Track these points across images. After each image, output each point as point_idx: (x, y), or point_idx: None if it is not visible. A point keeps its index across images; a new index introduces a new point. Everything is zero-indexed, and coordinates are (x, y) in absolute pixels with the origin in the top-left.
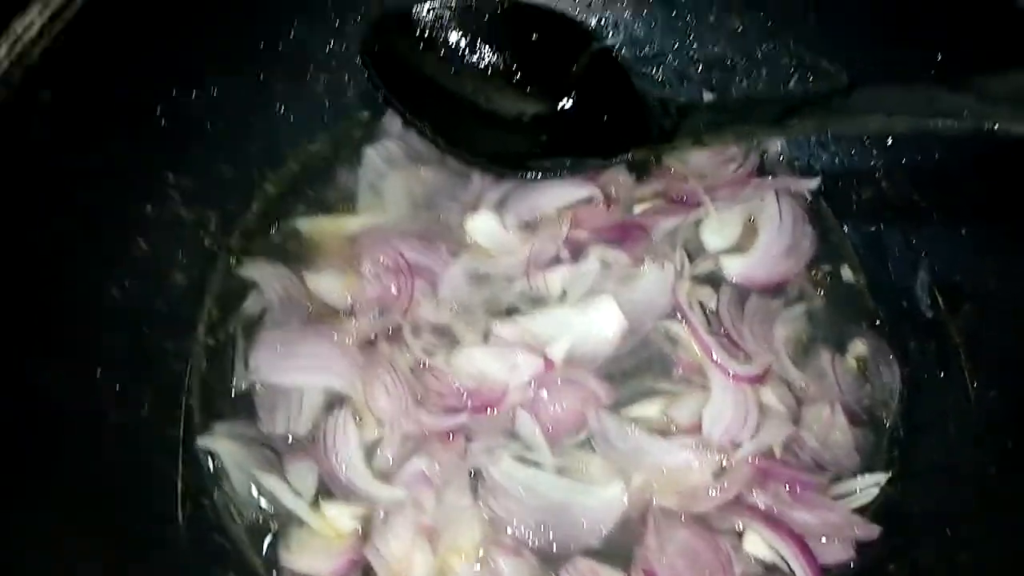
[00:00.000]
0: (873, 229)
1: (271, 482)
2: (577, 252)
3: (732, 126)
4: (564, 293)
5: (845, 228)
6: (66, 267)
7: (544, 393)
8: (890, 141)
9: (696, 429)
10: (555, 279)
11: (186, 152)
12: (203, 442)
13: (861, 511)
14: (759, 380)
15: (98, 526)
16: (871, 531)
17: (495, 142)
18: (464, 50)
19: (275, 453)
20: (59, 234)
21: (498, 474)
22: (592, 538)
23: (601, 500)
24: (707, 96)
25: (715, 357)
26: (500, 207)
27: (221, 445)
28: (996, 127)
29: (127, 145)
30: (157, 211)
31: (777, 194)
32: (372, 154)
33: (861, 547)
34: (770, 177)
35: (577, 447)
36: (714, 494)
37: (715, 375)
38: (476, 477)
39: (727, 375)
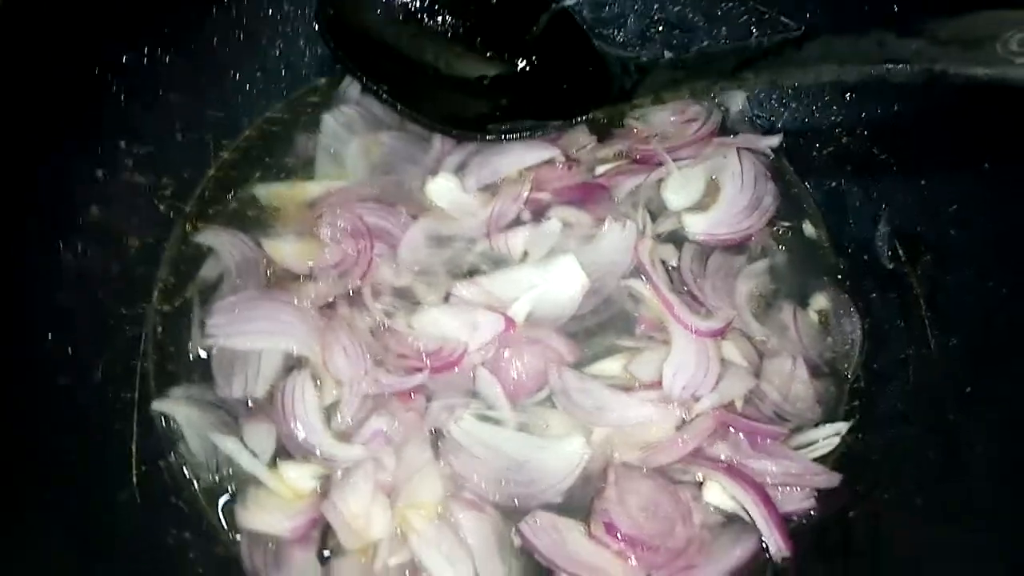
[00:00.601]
0: (834, 184)
1: (228, 444)
2: (539, 213)
3: (689, 81)
4: (526, 254)
5: (807, 184)
6: (18, 231)
7: (505, 352)
8: (849, 96)
9: (658, 385)
10: (516, 240)
11: (139, 119)
12: (158, 406)
13: (822, 460)
14: (719, 334)
15: (51, 489)
16: (832, 479)
17: (455, 105)
18: (422, 13)
19: (232, 416)
20: (11, 198)
21: (458, 432)
22: (553, 493)
23: (562, 455)
24: (668, 56)
25: (676, 312)
26: (461, 170)
27: (177, 409)
28: (946, 70)
29: (78, 111)
30: (110, 177)
31: (739, 152)
32: (330, 120)
33: (822, 495)
34: (732, 136)
35: (538, 404)
36: (675, 447)
37: (676, 330)
38: (436, 435)
39: (688, 330)
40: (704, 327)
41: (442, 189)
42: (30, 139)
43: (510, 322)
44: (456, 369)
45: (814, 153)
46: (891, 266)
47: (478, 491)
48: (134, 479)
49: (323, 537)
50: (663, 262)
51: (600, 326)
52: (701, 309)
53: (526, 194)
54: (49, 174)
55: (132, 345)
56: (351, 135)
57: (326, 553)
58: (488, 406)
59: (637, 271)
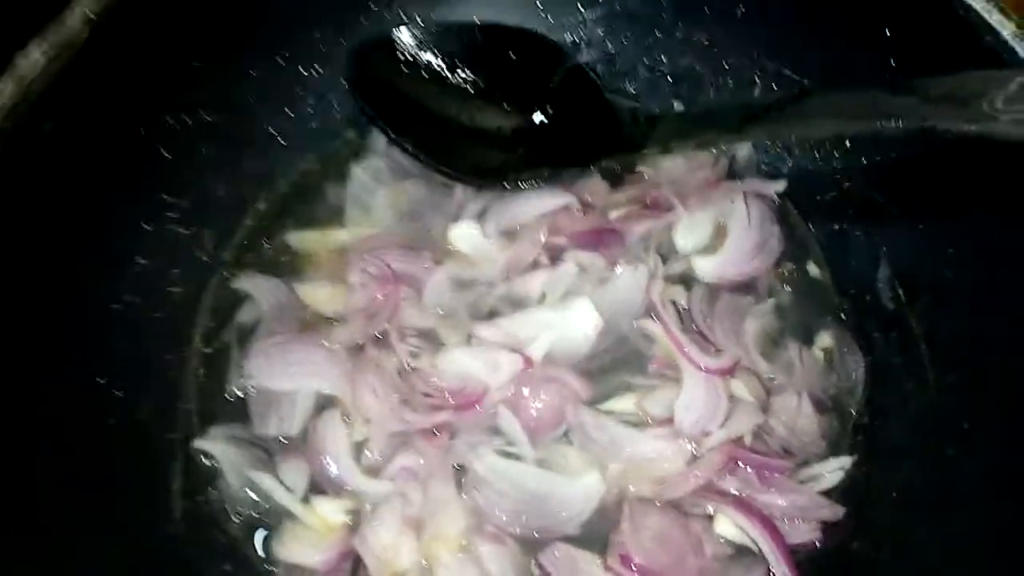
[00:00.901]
0: (836, 227)
1: (264, 480)
2: (555, 257)
3: (697, 134)
4: (543, 296)
5: (810, 226)
6: (71, 283)
7: (525, 390)
8: (849, 144)
9: (669, 421)
10: (534, 283)
11: (180, 175)
12: (199, 444)
13: (827, 494)
14: (729, 372)
15: (100, 525)
16: (836, 512)
17: (476, 156)
18: (444, 70)
19: (267, 453)
20: (64, 253)
21: (481, 468)
22: (571, 526)
23: (579, 489)
24: (677, 105)
25: (687, 351)
26: (481, 217)
27: (216, 447)
28: (935, 126)
29: (124, 169)
30: (154, 229)
31: (745, 196)
32: (359, 171)
33: (827, 528)
34: (739, 181)
35: (556, 441)
36: (687, 481)
37: (687, 368)
38: (460, 471)
39: (698, 368)
40: (713, 365)
41: (464, 235)
42: (80, 193)
43: (528, 361)
44: (478, 407)
45: (817, 197)
46: (892, 306)
47: (499, 524)
48: (177, 514)
49: (354, 569)
50: (674, 303)
51: (614, 364)
52: (710, 348)
53: (543, 238)
54: (98, 226)
55: (175, 387)
56: (378, 184)
57: None
58: (509, 443)
59: (649, 312)
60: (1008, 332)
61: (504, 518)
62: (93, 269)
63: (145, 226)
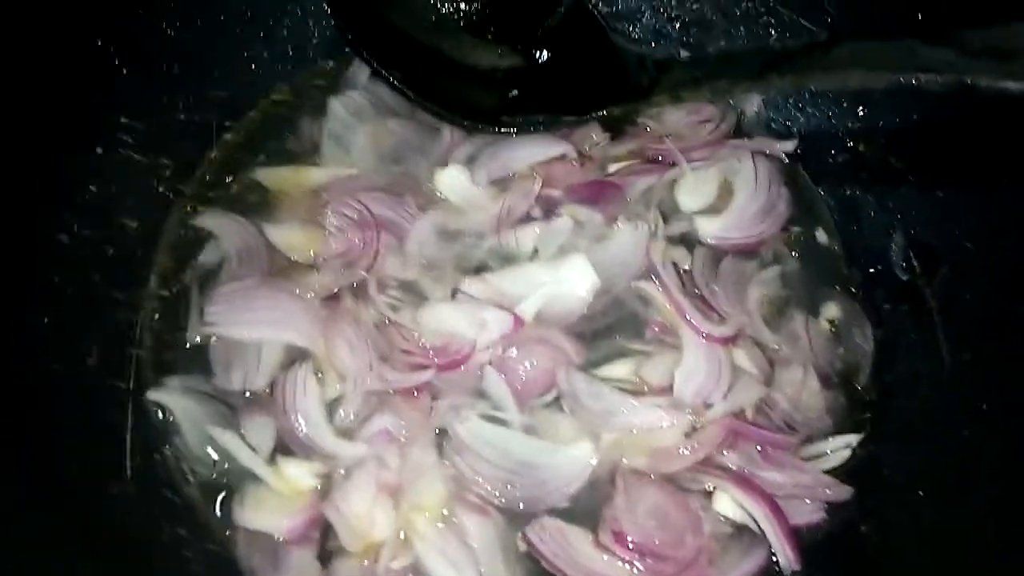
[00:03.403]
0: (848, 192)
1: (226, 438)
2: (550, 210)
3: (710, 81)
4: (535, 251)
5: (821, 191)
6: (11, 206)
7: (513, 351)
8: (867, 104)
9: (667, 390)
10: (526, 236)
11: (140, 94)
12: (154, 395)
13: (833, 473)
14: (732, 341)
15: (42, 477)
16: (843, 492)
17: (467, 96)
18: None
19: (230, 409)
20: (3, 171)
21: (464, 432)
22: (559, 498)
23: (569, 459)
24: (684, 54)
25: (688, 317)
26: (471, 163)
27: (173, 399)
28: (976, 82)
29: (77, 81)
30: (106, 153)
31: (753, 156)
32: (337, 105)
33: (832, 509)
34: (746, 139)
35: (546, 407)
36: (684, 454)
37: (688, 335)
38: (442, 435)
39: (700, 335)
40: (716, 333)
41: (452, 181)
42: (25, 108)
43: (518, 321)
44: (463, 368)
45: (829, 160)
46: (905, 277)
47: (483, 494)
48: (128, 471)
49: (323, 537)
50: (674, 264)
51: (609, 328)
52: (713, 315)
53: (537, 189)
54: (45, 147)
55: (127, 331)
56: (359, 122)
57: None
58: (495, 407)
59: (648, 273)
60: None
61: (488, 487)
62: (36, 192)
63: (97, 149)
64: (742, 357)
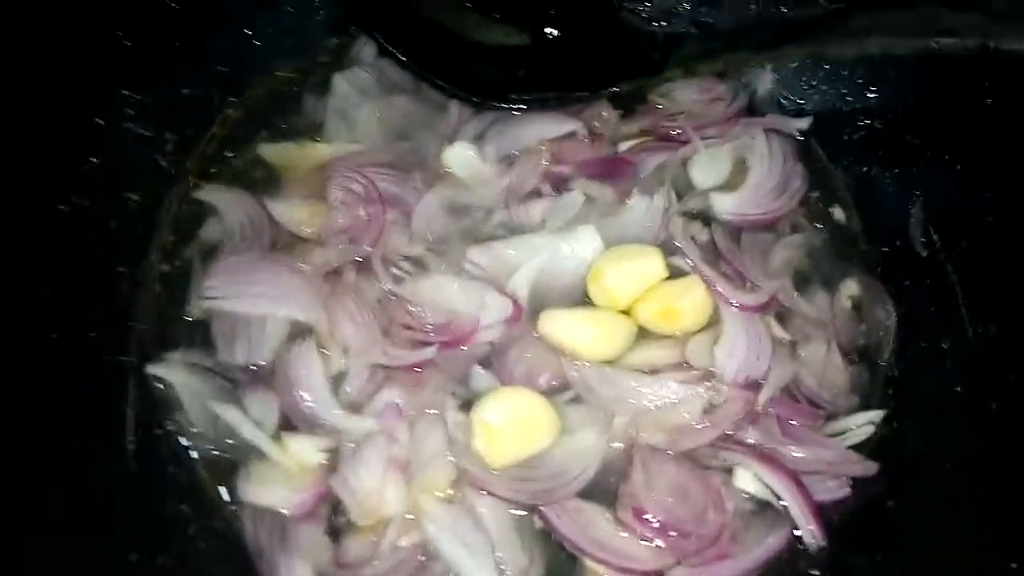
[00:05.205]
0: (865, 169)
1: (229, 413)
2: (560, 187)
3: (724, 54)
4: (544, 224)
5: (837, 168)
6: (12, 174)
7: (513, 348)
8: (881, 83)
9: (683, 366)
10: (536, 210)
11: (143, 67)
12: (154, 370)
13: (858, 449)
14: (766, 308)
15: (40, 457)
16: (869, 468)
17: (474, 72)
18: None
19: (232, 384)
20: (5, 137)
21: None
22: (574, 489)
23: (579, 449)
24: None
25: (719, 289)
26: (479, 140)
27: (174, 373)
28: (998, 45)
29: (80, 52)
30: (109, 125)
31: (767, 133)
32: (342, 82)
33: (857, 485)
34: (759, 117)
35: (552, 394)
36: (703, 431)
37: (725, 309)
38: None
39: (733, 305)
40: (750, 301)
41: (459, 157)
42: (28, 77)
43: (518, 308)
44: (464, 347)
45: (844, 137)
46: (925, 253)
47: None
48: (129, 446)
49: (332, 513)
50: (693, 239)
51: None
52: (744, 284)
53: (545, 164)
54: (47, 116)
55: (129, 305)
56: (364, 99)
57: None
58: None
59: (665, 248)
60: None
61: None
62: (37, 160)
63: (98, 120)
64: (777, 327)
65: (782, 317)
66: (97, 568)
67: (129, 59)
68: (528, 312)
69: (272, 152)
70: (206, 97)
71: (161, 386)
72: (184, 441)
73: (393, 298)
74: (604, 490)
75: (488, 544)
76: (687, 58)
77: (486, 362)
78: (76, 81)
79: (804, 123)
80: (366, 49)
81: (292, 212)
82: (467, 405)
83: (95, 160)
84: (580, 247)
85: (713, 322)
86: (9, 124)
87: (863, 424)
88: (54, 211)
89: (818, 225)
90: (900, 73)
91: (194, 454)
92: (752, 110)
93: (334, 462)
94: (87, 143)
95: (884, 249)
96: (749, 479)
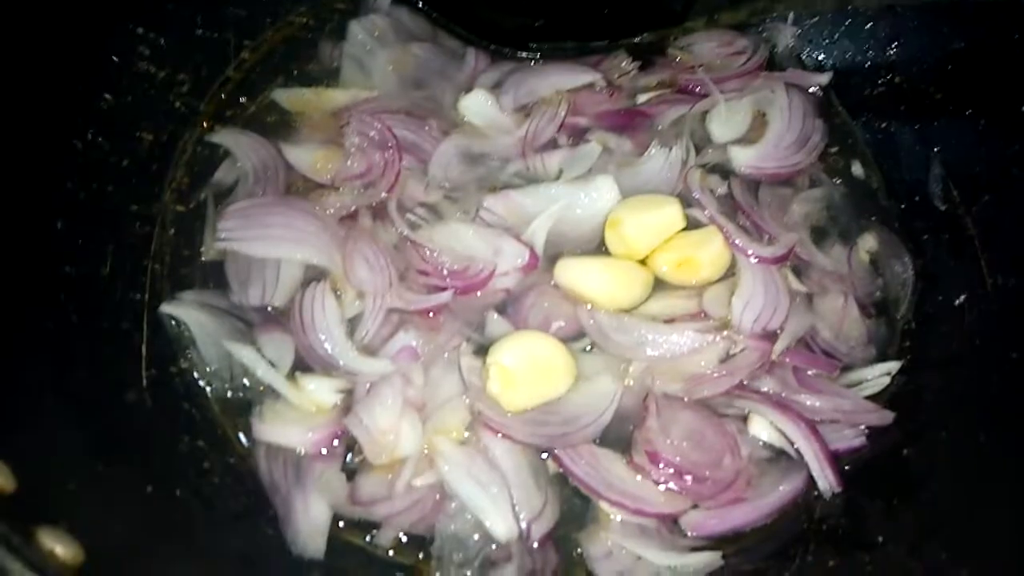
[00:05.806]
0: (885, 124)
1: (244, 353)
2: (576, 138)
3: (748, 2)
4: (561, 173)
5: (856, 122)
6: (26, 107)
7: (531, 294)
8: (902, 38)
9: (699, 315)
10: (553, 160)
11: (158, 6)
12: (167, 309)
13: (874, 399)
14: (784, 260)
15: (55, 388)
16: (885, 416)
17: (493, 19)
18: None
19: (247, 325)
20: (19, 70)
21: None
22: (591, 434)
23: (593, 396)
24: None
25: (736, 241)
26: (496, 88)
27: (187, 313)
28: None
29: None
30: (123, 63)
31: (787, 87)
32: (357, 28)
33: (873, 434)
34: (779, 72)
35: (567, 340)
36: (719, 378)
37: (741, 260)
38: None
39: (751, 257)
40: (767, 253)
41: (476, 105)
42: (44, 9)
43: (534, 256)
44: (480, 293)
45: (865, 92)
46: (944, 207)
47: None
48: (143, 381)
49: (347, 452)
50: (711, 191)
51: None
52: (761, 236)
53: (563, 114)
54: (60, 52)
55: (143, 244)
56: (380, 46)
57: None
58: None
59: (685, 201)
60: None
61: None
62: (52, 94)
63: (113, 58)
64: (794, 280)
65: (799, 270)
66: (116, 497)
67: None
68: (544, 260)
69: (287, 97)
70: (221, 40)
71: (175, 324)
72: (198, 379)
73: (409, 243)
74: (619, 437)
75: (503, 484)
76: (710, 7)
77: (501, 308)
78: (92, 17)
79: (824, 78)
80: None
81: (307, 157)
82: (482, 351)
83: (109, 97)
84: (598, 196)
85: (730, 273)
86: (24, 54)
87: (879, 375)
88: (68, 145)
89: (837, 180)
90: (923, 27)
91: (208, 392)
92: (772, 65)
93: (348, 403)
94: (101, 80)
95: (902, 204)
96: (764, 426)
